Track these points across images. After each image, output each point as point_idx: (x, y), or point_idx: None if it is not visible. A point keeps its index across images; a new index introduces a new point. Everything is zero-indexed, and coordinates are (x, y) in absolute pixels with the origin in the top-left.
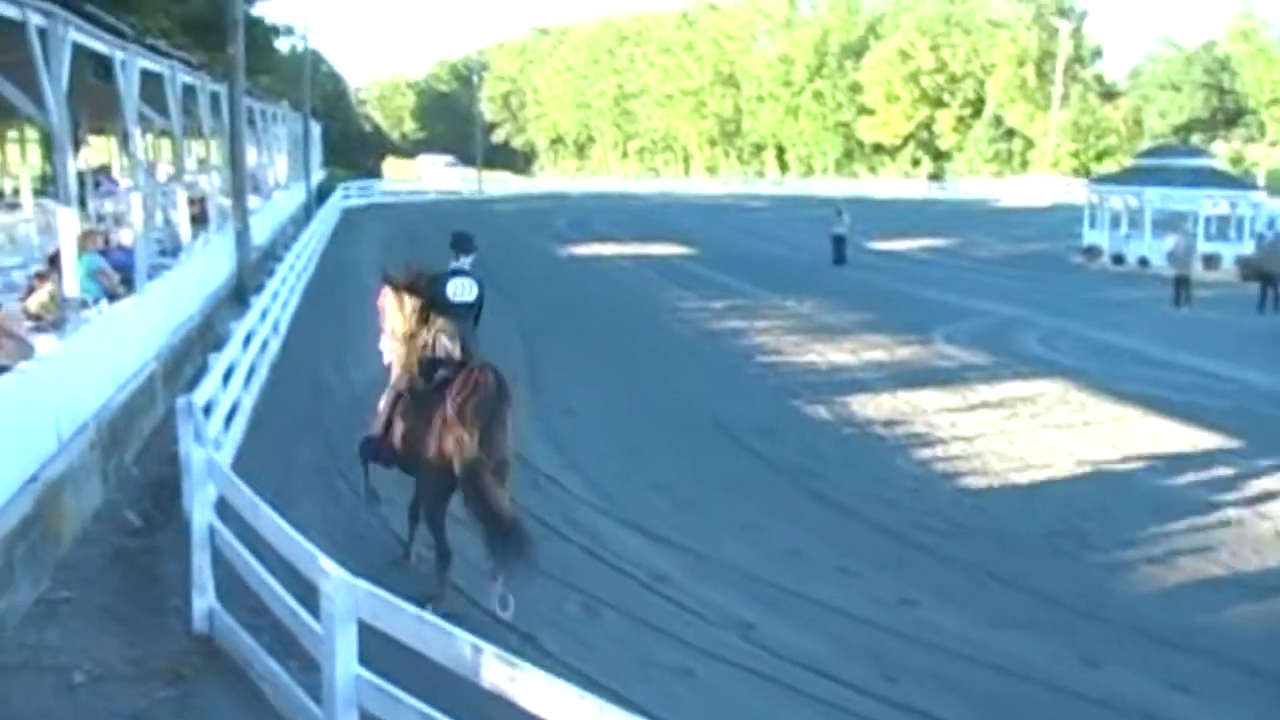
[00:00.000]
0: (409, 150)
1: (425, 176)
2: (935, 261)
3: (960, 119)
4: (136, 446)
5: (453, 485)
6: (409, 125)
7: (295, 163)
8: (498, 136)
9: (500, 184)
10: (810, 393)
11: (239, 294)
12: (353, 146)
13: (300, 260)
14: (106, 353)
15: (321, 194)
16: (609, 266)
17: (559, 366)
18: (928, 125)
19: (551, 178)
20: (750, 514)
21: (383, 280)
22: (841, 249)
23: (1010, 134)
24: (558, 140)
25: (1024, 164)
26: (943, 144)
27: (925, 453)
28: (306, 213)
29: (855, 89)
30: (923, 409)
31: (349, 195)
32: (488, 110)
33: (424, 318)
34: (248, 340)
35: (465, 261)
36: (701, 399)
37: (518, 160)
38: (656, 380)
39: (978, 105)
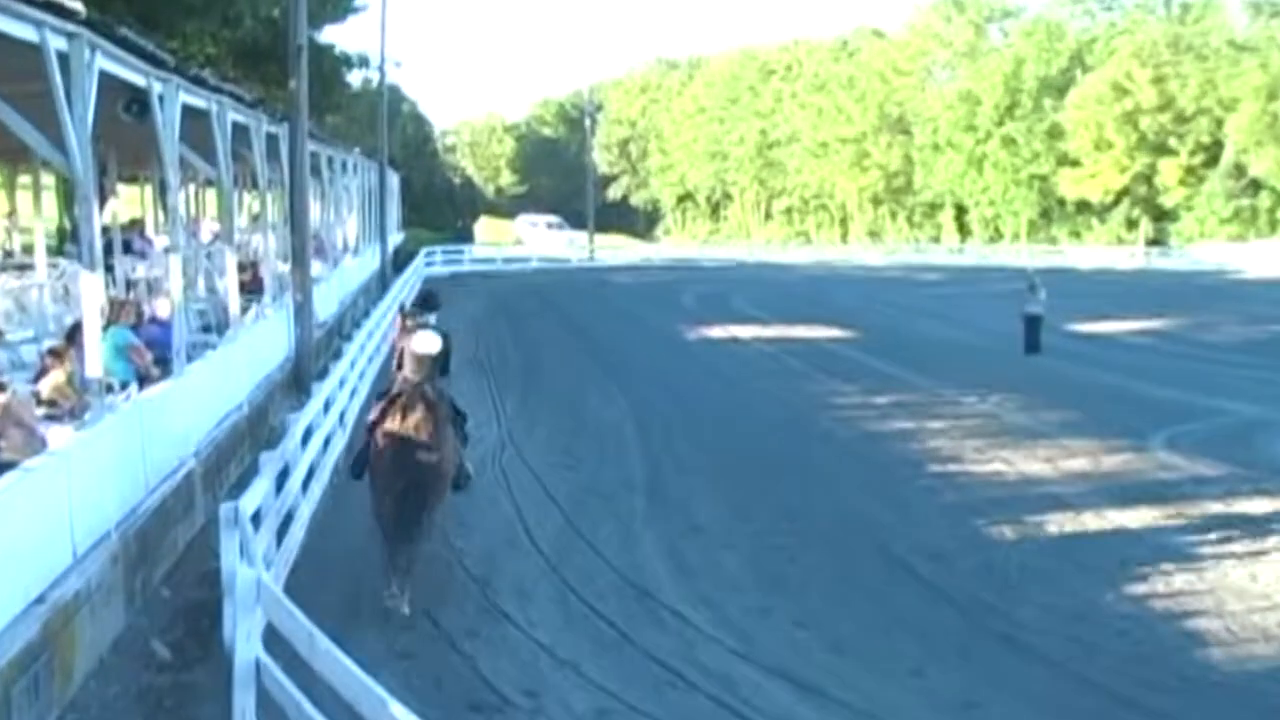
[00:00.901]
0: (506, 208)
1: (526, 240)
2: (1155, 348)
3: (1189, 169)
4: (168, 562)
5: (386, 484)
6: (506, 178)
7: (369, 221)
8: (614, 192)
9: (616, 250)
10: (994, 510)
11: (298, 380)
12: (438, 202)
13: (372, 341)
14: (134, 447)
15: (400, 260)
16: (748, 353)
17: (684, 472)
18: (1148, 177)
19: (678, 243)
20: (917, 658)
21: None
22: (1035, 332)
23: (1255, 186)
24: (687, 197)
25: (1272, 224)
26: (1167, 200)
27: (1140, 587)
28: (382, 282)
29: (1055, 134)
30: (1137, 532)
31: (433, 261)
32: (601, 160)
33: (398, 363)
34: (307, 436)
35: (430, 317)
36: (860, 516)
37: (637, 221)
38: (804, 492)
39: (1213, 151)
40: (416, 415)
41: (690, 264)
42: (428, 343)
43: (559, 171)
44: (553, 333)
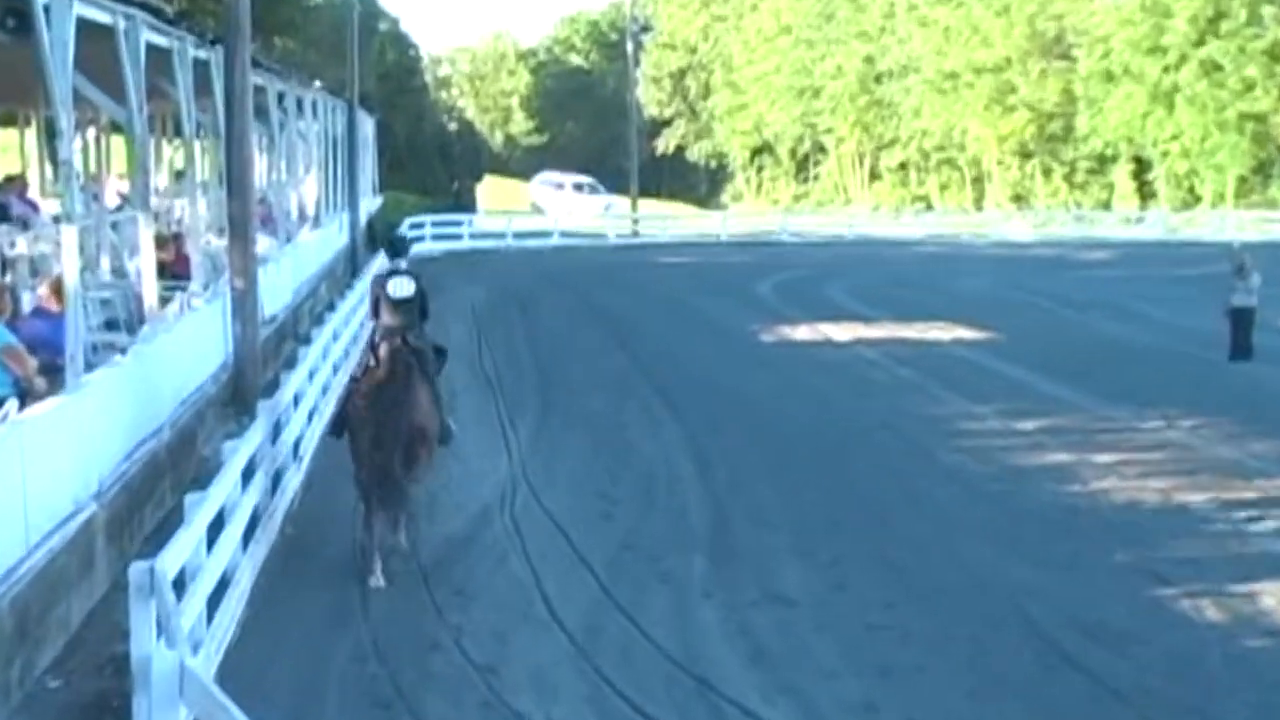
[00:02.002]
0: (519, 164)
1: (546, 207)
2: None
3: None
4: (58, 643)
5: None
6: (519, 123)
7: (334, 182)
8: (665, 143)
9: (668, 222)
10: (1187, 577)
11: (238, 396)
12: (427, 156)
13: (338, 344)
14: (11, 488)
15: (376, 235)
16: (845, 361)
17: (759, 524)
18: None
19: (753, 212)
20: None
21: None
22: (1245, 331)
23: None
24: (764, 150)
25: None
26: None
27: None
28: (352, 264)
29: (1279, 55)
30: None
31: (420, 236)
32: (649, 99)
33: (374, 311)
34: (250, 473)
35: (401, 262)
36: (997, 581)
37: (697, 182)
38: (921, 549)
39: None
40: (394, 367)
41: (768, 240)
42: (401, 287)
43: (591, 115)
44: (580, 334)
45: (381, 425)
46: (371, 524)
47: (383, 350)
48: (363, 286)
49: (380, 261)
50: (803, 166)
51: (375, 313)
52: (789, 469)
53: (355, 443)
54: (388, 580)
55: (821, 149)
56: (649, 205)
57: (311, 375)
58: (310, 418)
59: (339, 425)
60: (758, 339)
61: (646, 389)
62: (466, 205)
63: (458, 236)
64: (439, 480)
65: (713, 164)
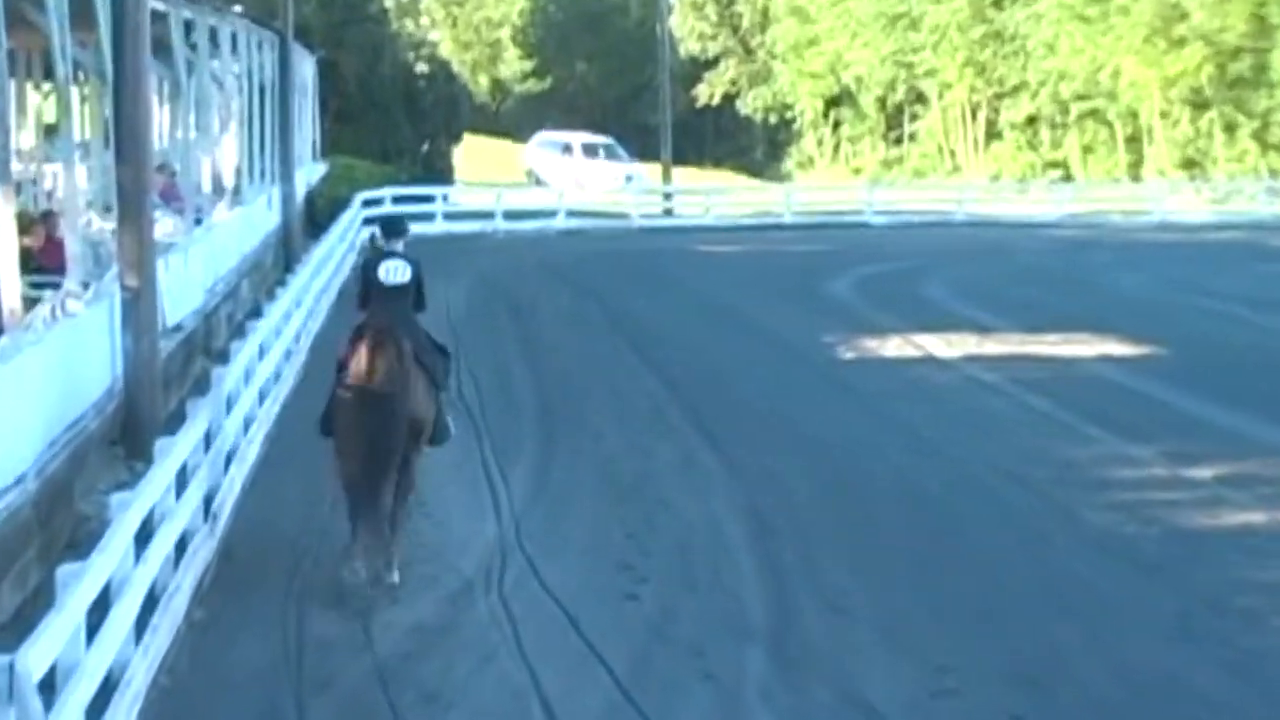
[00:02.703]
0: (511, 119)
1: (547, 175)
2: None
3: None
4: None
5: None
6: (511, 63)
7: (261, 144)
8: (708, 91)
9: (712, 199)
10: None
11: (130, 433)
12: (387, 108)
13: (266, 363)
14: None
15: (318, 214)
16: (952, 386)
17: (837, 610)
18: None
19: (828, 183)
20: None
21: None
22: None
23: None
24: (842, 100)
25: None
26: None
27: None
28: (285, 254)
29: None
30: None
31: (378, 216)
32: (686, 32)
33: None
34: (145, 538)
35: (397, 244)
36: (1168, 686)
37: (752, 144)
38: (1060, 647)
39: None
40: (381, 358)
41: (848, 221)
42: (395, 272)
43: (608, 53)
44: (594, 350)
45: (365, 426)
46: (357, 529)
47: (369, 346)
48: (300, 282)
49: (336, 229)
50: (895, 122)
51: (363, 302)
52: (876, 536)
53: (340, 444)
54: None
55: (920, 98)
56: (687, 175)
57: (230, 405)
58: (227, 463)
59: (328, 423)
60: (833, 357)
61: (684, 425)
62: (440, 175)
63: (428, 217)
64: (404, 547)
65: (773, 119)
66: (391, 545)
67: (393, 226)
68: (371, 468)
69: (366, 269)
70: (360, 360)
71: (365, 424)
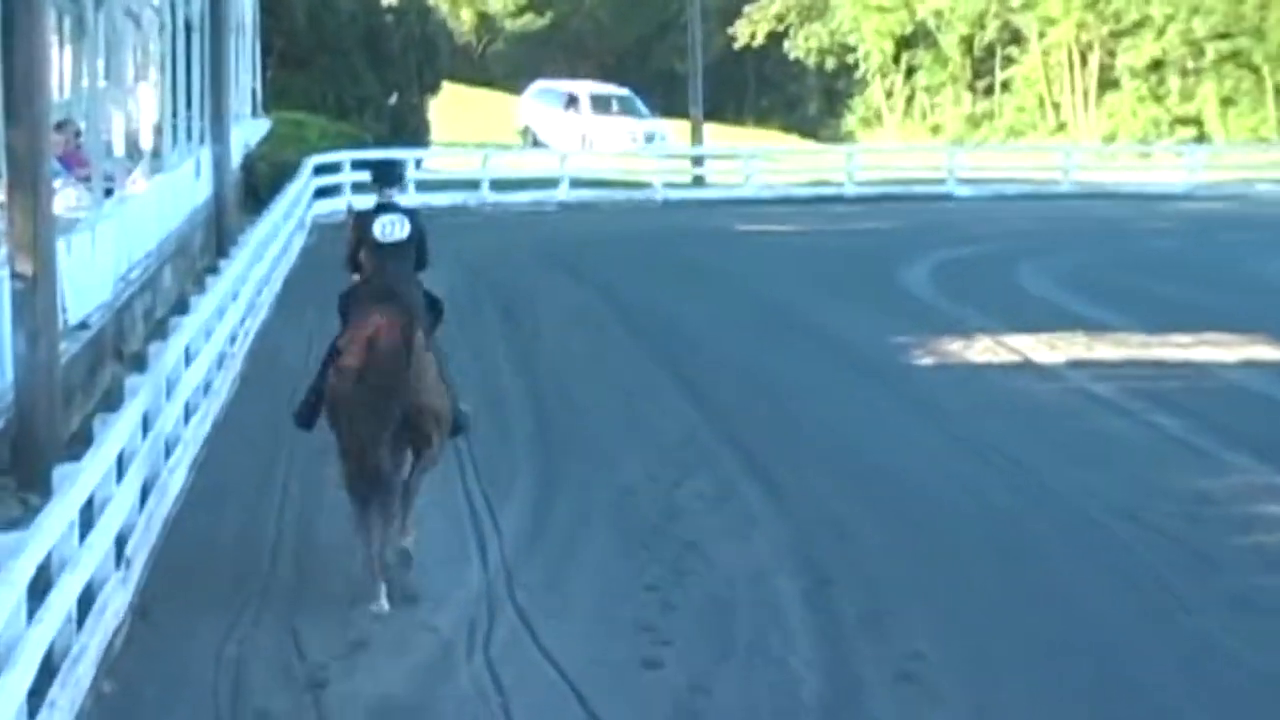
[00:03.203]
0: (503, 64)
1: (548, 136)
2: None
3: None
4: None
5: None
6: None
7: (189, 95)
8: (748, 30)
9: (754, 164)
10: None
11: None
12: (346, 50)
13: (193, 371)
14: None
15: (259, 184)
16: (1056, 400)
17: (913, 681)
18: None
19: (899, 145)
20: None
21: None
22: None
23: None
24: (916, 40)
25: None
26: None
27: None
28: (218, 232)
29: None
30: None
31: (336, 186)
32: None
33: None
34: (42, 589)
35: (392, 195)
36: None
37: (803, 95)
38: None
39: None
40: (387, 333)
41: (925, 193)
42: (392, 227)
43: None
44: (604, 354)
45: (376, 415)
46: (370, 535)
47: (369, 319)
48: (237, 270)
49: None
50: (984, 68)
51: (354, 263)
52: (960, 591)
53: (340, 434)
54: (392, 604)
55: (1016, 38)
56: (722, 135)
57: (148, 423)
58: (144, 496)
59: (310, 413)
60: (906, 364)
61: (719, 451)
62: (412, 134)
63: (384, 205)
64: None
65: (830, 65)
66: (406, 518)
67: (387, 173)
68: (382, 463)
69: (359, 224)
70: (361, 338)
71: (374, 410)
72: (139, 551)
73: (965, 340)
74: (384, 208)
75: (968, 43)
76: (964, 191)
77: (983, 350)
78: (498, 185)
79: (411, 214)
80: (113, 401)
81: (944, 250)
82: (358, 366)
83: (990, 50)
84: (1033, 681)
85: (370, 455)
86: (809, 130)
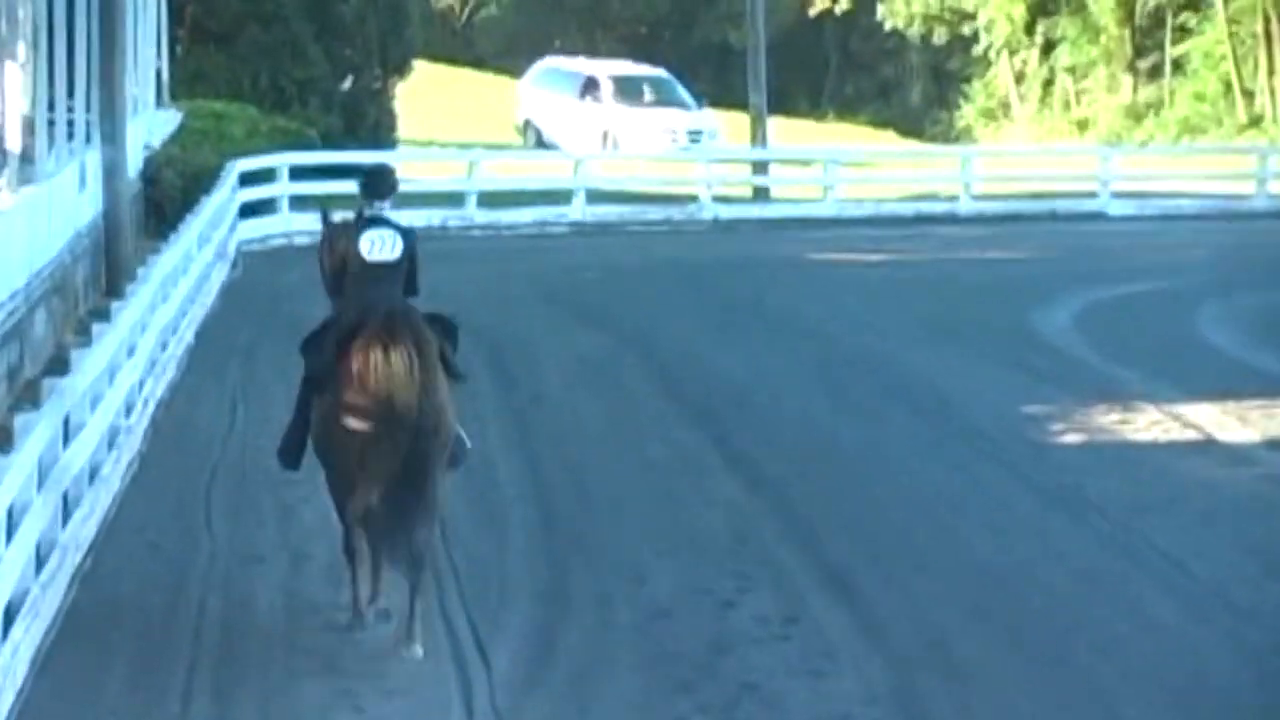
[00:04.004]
0: (496, 39)
1: (557, 133)
2: None
3: None
4: None
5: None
6: None
7: (70, 78)
8: None
9: (834, 172)
10: None
11: None
12: (285, 17)
13: (75, 452)
14: None
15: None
16: (1247, 490)
17: None
18: None
19: (1032, 146)
20: None
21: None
22: None
23: None
24: (1050, 6)
25: None
26: None
27: None
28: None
29: None
30: None
31: (270, 202)
32: None
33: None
34: None
35: (384, 207)
36: None
37: (899, 80)
38: None
39: None
40: (400, 357)
41: (1069, 209)
42: (382, 244)
43: None
44: (630, 425)
45: (395, 450)
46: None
47: (381, 341)
48: (134, 315)
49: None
50: (1149, 44)
51: (336, 285)
52: None
53: (353, 472)
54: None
55: (1192, 2)
56: (793, 132)
57: (13, 522)
58: (6, 623)
59: (297, 452)
60: (1042, 441)
61: (786, 557)
62: (372, 130)
63: (374, 218)
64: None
65: (939, 38)
66: (413, 606)
67: (377, 182)
68: (398, 505)
69: (343, 237)
70: (371, 363)
71: (396, 445)
72: None
73: (1123, 410)
74: (373, 221)
75: (1127, 7)
76: (1121, 208)
77: (1148, 424)
78: (490, 200)
79: (406, 232)
80: None
81: (1094, 287)
82: (375, 386)
83: (1158, 18)
84: None
85: (393, 484)
86: (911, 126)
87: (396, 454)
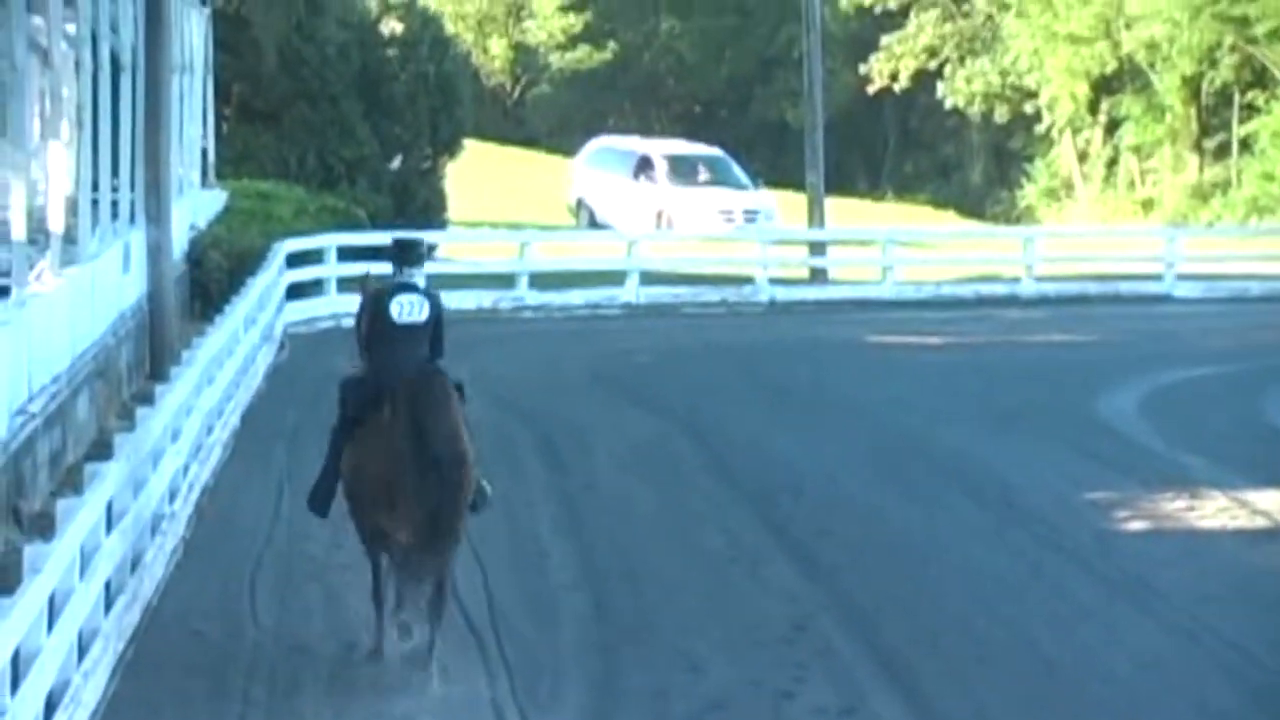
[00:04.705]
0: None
1: (610, 213)
2: None
3: None
4: None
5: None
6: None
7: (114, 157)
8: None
9: (893, 251)
10: None
11: None
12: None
13: (117, 541)
14: None
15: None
16: None
17: None
18: None
19: (1095, 226)
20: None
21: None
22: None
23: None
24: (1116, 84)
25: None
26: None
27: None
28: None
29: None
30: None
31: (314, 289)
32: None
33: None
34: None
35: (413, 274)
36: None
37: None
38: None
39: None
40: (429, 409)
41: (1134, 291)
42: (410, 308)
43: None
44: (685, 513)
45: (428, 494)
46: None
47: (406, 387)
48: (179, 398)
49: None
50: (1216, 122)
51: (367, 344)
52: None
53: (386, 516)
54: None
55: (1261, 79)
56: (851, 212)
57: (55, 610)
58: (48, 713)
59: (326, 499)
60: (1107, 529)
61: (847, 646)
62: (422, 210)
63: (409, 287)
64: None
65: (1001, 116)
66: (434, 636)
67: (407, 252)
68: (426, 547)
69: (375, 300)
70: (401, 416)
71: (417, 490)
72: None
73: (1190, 496)
74: (403, 287)
75: (1193, 86)
76: (1188, 291)
77: (1215, 510)
78: (541, 281)
79: (432, 297)
80: (6, 580)
81: (1159, 371)
82: (404, 442)
83: (1224, 97)
84: None
85: (426, 527)
86: (972, 206)
87: (423, 498)
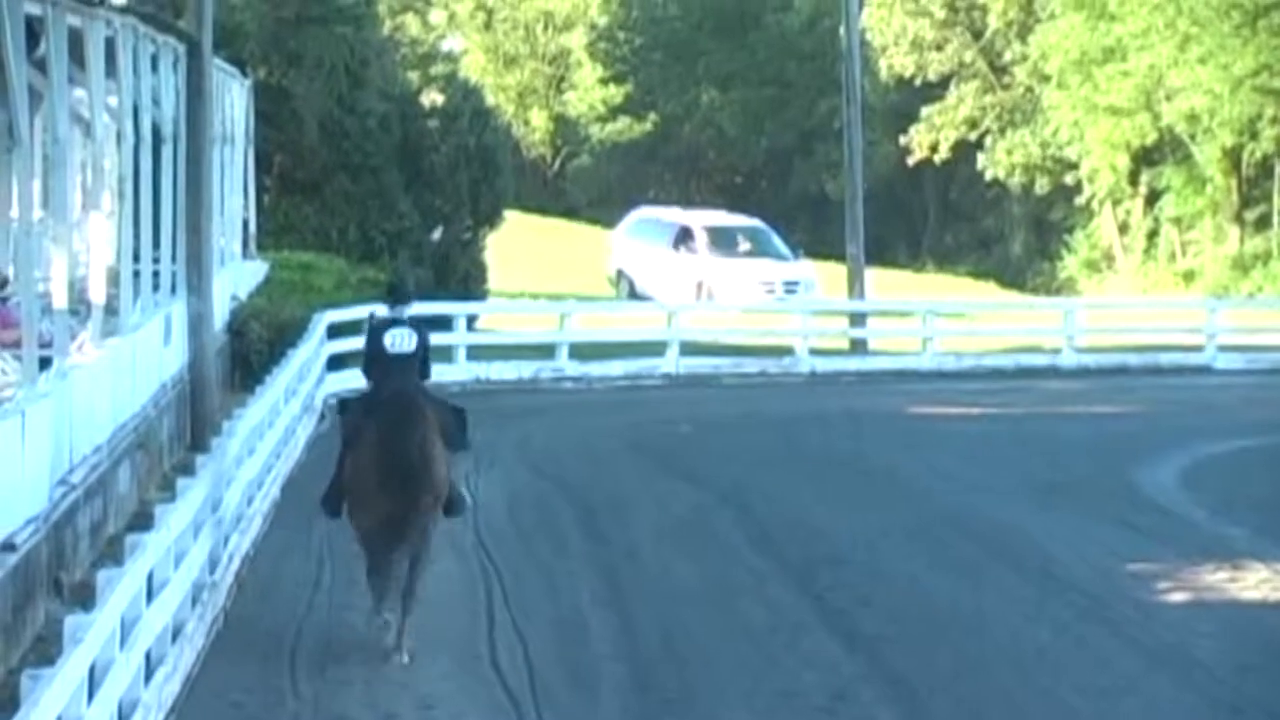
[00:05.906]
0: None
1: (651, 284)
2: None
3: None
4: None
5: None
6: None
7: (156, 228)
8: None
9: (931, 323)
10: None
11: None
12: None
13: (160, 612)
14: None
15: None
16: None
17: None
18: None
19: (1135, 297)
20: None
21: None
22: None
23: None
24: (1158, 155)
25: None
26: None
27: None
28: (192, 419)
29: None
30: None
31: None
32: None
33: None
34: None
35: (402, 311)
36: None
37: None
38: None
39: None
40: (404, 426)
41: (1175, 363)
42: (400, 340)
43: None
44: (725, 584)
45: (390, 496)
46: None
47: (386, 407)
48: (219, 469)
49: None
50: (1257, 193)
51: (368, 371)
52: None
53: (358, 514)
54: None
55: None
56: (892, 283)
57: (95, 681)
58: None
59: (336, 500)
60: (1148, 600)
61: (889, 718)
62: (462, 281)
63: (443, 353)
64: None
65: (1041, 187)
66: (403, 623)
67: (398, 292)
68: (390, 535)
69: (375, 334)
70: (380, 431)
71: (389, 493)
72: None
73: (1232, 568)
74: (394, 322)
75: (1234, 157)
76: (1229, 362)
77: (1257, 582)
78: (581, 352)
79: (418, 328)
80: (47, 651)
81: (1201, 443)
82: (382, 450)
83: (1265, 168)
84: None
85: (385, 521)
86: (1012, 277)
87: (397, 496)
